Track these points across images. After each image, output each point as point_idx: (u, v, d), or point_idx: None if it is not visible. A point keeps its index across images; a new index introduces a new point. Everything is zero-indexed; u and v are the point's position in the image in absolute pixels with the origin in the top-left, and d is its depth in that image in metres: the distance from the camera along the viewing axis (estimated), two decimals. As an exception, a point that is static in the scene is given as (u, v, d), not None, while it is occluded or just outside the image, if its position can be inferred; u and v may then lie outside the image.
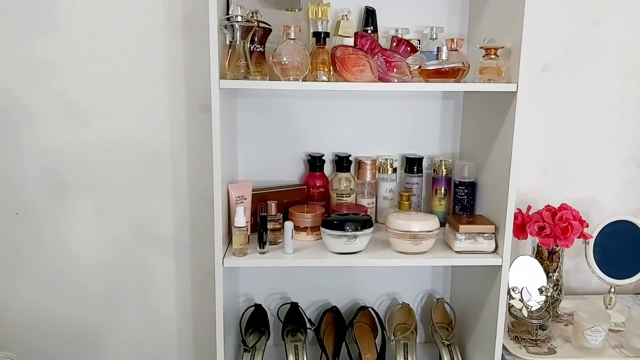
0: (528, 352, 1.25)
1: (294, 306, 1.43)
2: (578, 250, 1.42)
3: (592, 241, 1.38)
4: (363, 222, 1.19)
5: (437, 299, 1.47)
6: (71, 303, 1.48)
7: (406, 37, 1.29)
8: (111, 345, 1.51)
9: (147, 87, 1.38)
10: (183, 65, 1.38)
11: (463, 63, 1.14)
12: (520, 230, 1.34)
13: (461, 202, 1.33)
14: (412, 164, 1.40)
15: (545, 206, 1.35)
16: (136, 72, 1.37)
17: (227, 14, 1.13)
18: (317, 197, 1.38)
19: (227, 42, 1.12)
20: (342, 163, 1.38)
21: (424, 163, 1.42)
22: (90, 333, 1.50)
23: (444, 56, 1.15)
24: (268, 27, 1.18)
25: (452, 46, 1.18)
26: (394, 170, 1.40)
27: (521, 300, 1.26)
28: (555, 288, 1.35)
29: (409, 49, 1.18)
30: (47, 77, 1.36)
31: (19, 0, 1.32)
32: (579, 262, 1.48)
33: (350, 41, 1.23)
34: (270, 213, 1.22)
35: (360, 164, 1.39)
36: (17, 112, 1.37)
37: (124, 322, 1.50)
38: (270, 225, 1.21)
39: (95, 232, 1.44)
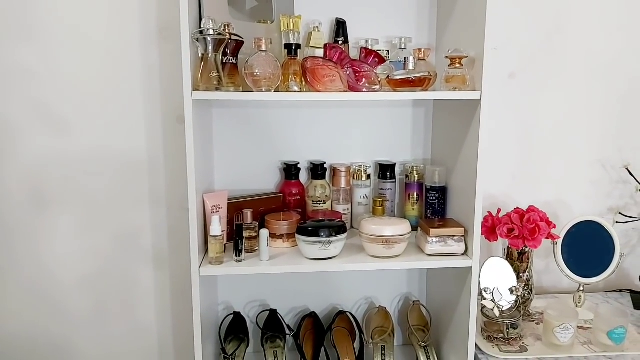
0: (500, 350, 1.28)
1: (273, 313, 1.45)
2: (549, 251, 1.47)
3: (560, 241, 1.43)
4: (337, 228, 1.21)
5: (413, 301, 1.50)
6: (50, 316, 1.47)
7: (376, 47, 1.33)
8: (92, 355, 1.51)
9: (124, 98, 1.40)
10: (159, 76, 1.40)
11: (429, 72, 1.18)
12: (490, 232, 1.38)
13: (433, 207, 1.36)
14: (386, 171, 1.43)
15: (514, 209, 1.39)
16: (113, 83, 1.39)
17: (200, 27, 1.15)
18: (294, 205, 1.41)
19: (200, 55, 1.14)
20: (318, 171, 1.41)
21: (397, 169, 1.46)
22: (70, 345, 1.50)
23: (410, 66, 1.19)
24: (240, 39, 1.21)
25: (419, 56, 1.22)
26: (368, 176, 1.43)
27: (493, 300, 1.30)
28: (525, 288, 1.39)
29: (377, 59, 1.22)
30: (22, 86, 1.36)
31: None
32: (550, 263, 1.52)
33: (321, 52, 1.26)
34: (246, 221, 1.24)
35: (335, 171, 1.42)
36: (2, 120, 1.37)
37: (104, 333, 1.50)
38: (246, 234, 1.23)
39: (74, 244, 1.45)
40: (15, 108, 1.37)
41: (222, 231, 1.19)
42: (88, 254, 1.46)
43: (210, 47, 1.12)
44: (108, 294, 1.49)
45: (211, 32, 1.12)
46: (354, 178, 1.43)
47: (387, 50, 1.36)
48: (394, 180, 1.44)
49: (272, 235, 1.27)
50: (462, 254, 1.24)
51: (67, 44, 1.36)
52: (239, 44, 1.21)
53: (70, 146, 1.40)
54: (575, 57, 1.52)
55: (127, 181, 1.44)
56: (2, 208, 1.41)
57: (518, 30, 1.48)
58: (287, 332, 1.42)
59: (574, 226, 1.43)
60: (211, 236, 1.17)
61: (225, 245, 1.22)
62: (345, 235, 1.22)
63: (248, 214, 1.25)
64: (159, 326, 1.52)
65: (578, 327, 1.33)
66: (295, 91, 1.17)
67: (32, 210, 1.42)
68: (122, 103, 1.40)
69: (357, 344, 1.44)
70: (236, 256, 1.20)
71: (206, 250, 1.24)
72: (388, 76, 1.20)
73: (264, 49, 1.15)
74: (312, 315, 1.48)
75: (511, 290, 1.30)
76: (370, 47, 1.31)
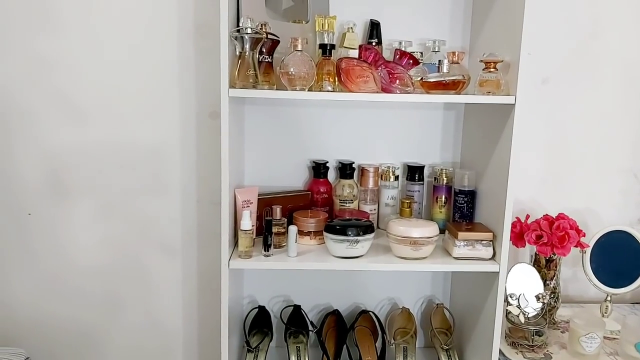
0: (524, 357, 1.28)
1: (297, 309, 1.47)
2: (576, 259, 1.45)
3: (589, 250, 1.41)
4: (365, 227, 1.22)
5: (437, 304, 1.50)
6: (76, 305, 1.51)
7: (409, 49, 1.34)
8: (118, 345, 1.55)
9: (158, 92, 1.43)
10: (194, 72, 1.42)
11: (463, 76, 1.18)
12: (518, 238, 1.37)
13: (461, 210, 1.36)
14: (414, 172, 1.44)
15: (543, 215, 1.38)
16: (147, 77, 1.42)
17: (238, 25, 1.17)
18: (321, 203, 1.42)
19: (237, 53, 1.16)
20: (346, 170, 1.42)
21: (426, 171, 1.46)
22: (97, 333, 1.54)
23: (445, 69, 1.19)
24: (276, 38, 1.23)
25: (453, 59, 1.22)
26: (396, 177, 1.44)
27: (518, 306, 1.29)
28: (552, 295, 1.38)
29: (411, 61, 1.23)
30: (52, 77, 1.40)
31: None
32: (577, 271, 1.51)
33: (355, 53, 1.27)
34: (275, 217, 1.26)
35: (363, 171, 1.43)
36: (25, 111, 1.41)
37: (130, 322, 1.54)
38: (274, 229, 1.25)
39: (102, 235, 1.48)
40: (46, 100, 1.40)
41: (252, 226, 1.21)
42: (118, 245, 1.49)
43: (247, 46, 1.14)
44: (136, 284, 1.52)
45: (249, 30, 1.14)
46: (382, 179, 1.44)
47: (421, 53, 1.36)
48: (422, 182, 1.44)
49: (300, 232, 1.28)
50: (490, 259, 1.24)
51: (101, 37, 1.39)
52: (275, 43, 1.23)
53: (103, 139, 1.44)
54: (610, 64, 1.50)
55: (159, 174, 1.47)
56: (33, 197, 1.45)
57: (553, 35, 1.47)
58: (310, 328, 1.44)
59: (603, 235, 1.42)
60: (241, 230, 1.20)
61: (254, 240, 1.24)
62: (372, 234, 1.23)
63: (277, 210, 1.27)
64: (184, 317, 1.55)
65: (604, 337, 1.32)
66: (329, 91, 1.18)
67: (62, 201, 1.46)
68: (156, 98, 1.43)
69: (378, 344, 1.44)
70: (265, 251, 1.22)
71: (235, 244, 1.26)
72: (422, 78, 1.20)
73: (299, 49, 1.16)
74: (335, 313, 1.50)
75: (537, 297, 1.29)
76: (403, 49, 1.31)
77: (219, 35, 1.10)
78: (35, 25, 1.38)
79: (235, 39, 1.15)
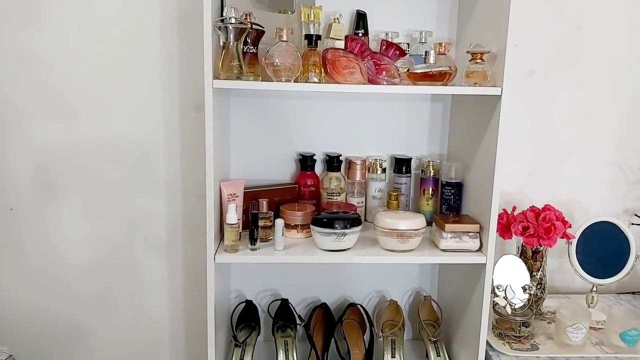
0: (511, 348, 1.28)
1: (285, 302, 1.46)
2: (562, 250, 1.46)
3: (574, 241, 1.42)
4: (352, 220, 1.22)
5: (425, 296, 1.50)
6: (62, 301, 1.49)
7: (396, 40, 1.33)
8: (104, 341, 1.53)
9: (142, 85, 1.40)
10: (177, 64, 1.40)
11: (450, 67, 1.17)
12: (505, 230, 1.38)
13: (448, 202, 1.36)
14: (401, 165, 1.43)
15: (530, 207, 1.39)
16: (131, 70, 1.39)
17: (221, 15, 1.15)
18: (308, 196, 1.41)
19: (221, 43, 1.14)
20: (333, 163, 1.41)
21: (413, 164, 1.46)
22: (83, 329, 1.52)
23: (431, 60, 1.18)
24: (261, 28, 1.21)
25: (440, 50, 1.21)
26: (383, 170, 1.43)
27: (505, 298, 1.30)
28: (538, 287, 1.39)
29: (397, 52, 1.22)
30: (37, 72, 1.37)
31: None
32: (564, 263, 1.52)
33: (341, 44, 1.26)
34: (261, 211, 1.25)
35: (350, 163, 1.42)
36: (11, 107, 1.38)
37: (116, 318, 1.52)
38: (261, 223, 1.24)
39: (88, 230, 1.46)
40: (29, 94, 1.38)
41: (238, 219, 1.20)
42: (103, 241, 1.47)
43: (231, 36, 1.13)
44: (121, 280, 1.50)
45: (233, 20, 1.12)
46: (369, 171, 1.43)
47: (407, 44, 1.35)
48: (409, 174, 1.44)
49: (287, 226, 1.28)
50: (477, 251, 1.24)
51: (84, 31, 1.36)
52: (260, 33, 1.21)
53: (86, 133, 1.41)
54: (595, 56, 1.50)
55: (143, 168, 1.45)
56: (18, 194, 1.43)
57: (538, 27, 1.47)
58: (298, 322, 1.43)
59: (589, 226, 1.42)
60: (227, 224, 1.18)
61: (240, 233, 1.22)
62: (359, 227, 1.23)
63: (264, 204, 1.26)
64: (170, 312, 1.53)
65: (590, 327, 1.33)
66: (315, 82, 1.17)
67: (46, 197, 1.44)
68: (139, 91, 1.41)
69: (367, 337, 1.44)
70: (251, 244, 1.21)
71: (221, 238, 1.25)
72: (408, 69, 1.19)
73: (285, 39, 1.15)
74: (323, 306, 1.49)
75: (524, 289, 1.30)
76: (390, 40, 1.30)
77: (202, 26, 1.08)
78: (21, 21, 1.34)
79: (219, 29, 1.13)
